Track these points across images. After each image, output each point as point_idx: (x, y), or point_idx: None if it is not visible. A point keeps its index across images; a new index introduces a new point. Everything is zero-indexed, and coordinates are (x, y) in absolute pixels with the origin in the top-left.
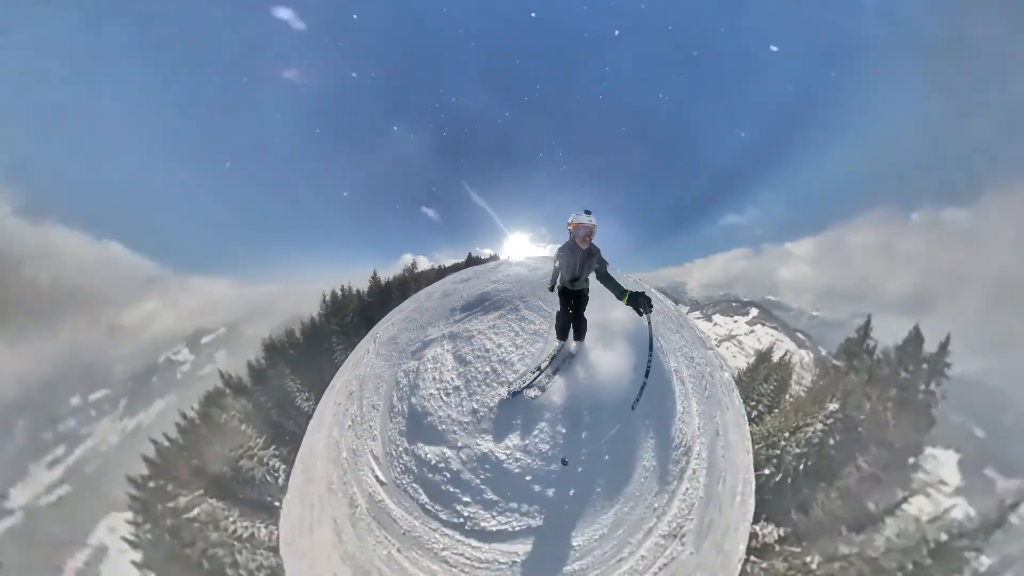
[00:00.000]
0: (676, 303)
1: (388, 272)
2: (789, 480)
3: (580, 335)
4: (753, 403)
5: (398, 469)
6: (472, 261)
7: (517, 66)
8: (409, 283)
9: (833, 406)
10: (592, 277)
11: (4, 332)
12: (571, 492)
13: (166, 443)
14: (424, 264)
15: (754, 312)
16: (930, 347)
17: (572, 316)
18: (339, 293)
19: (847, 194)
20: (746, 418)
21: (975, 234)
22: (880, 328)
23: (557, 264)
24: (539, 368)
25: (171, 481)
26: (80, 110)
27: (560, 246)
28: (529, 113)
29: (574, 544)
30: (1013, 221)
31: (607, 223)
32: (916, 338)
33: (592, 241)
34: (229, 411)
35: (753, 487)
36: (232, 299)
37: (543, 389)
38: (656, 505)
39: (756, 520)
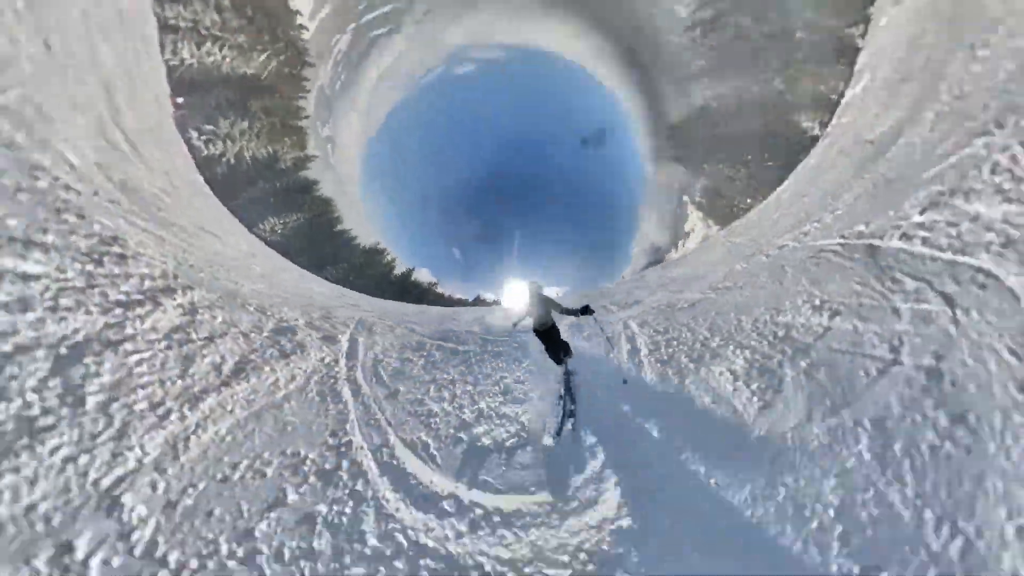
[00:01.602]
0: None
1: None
2: None
3: (568, 352)
4: None
5: None
6: (477, 301)
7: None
8: (428, 295)
9: None
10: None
11: None
12: None
13: None
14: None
15: (689, 201)
16: None
17: (554, 347)
18: (378, 247)
19: None
20: None
21: None
22: None
23: (525, 315)
24: (562, 402)
25: None
26: None
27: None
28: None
29: None
30: None
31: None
32: None
33: (541, 295)
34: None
35: None
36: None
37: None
38: None
39: None
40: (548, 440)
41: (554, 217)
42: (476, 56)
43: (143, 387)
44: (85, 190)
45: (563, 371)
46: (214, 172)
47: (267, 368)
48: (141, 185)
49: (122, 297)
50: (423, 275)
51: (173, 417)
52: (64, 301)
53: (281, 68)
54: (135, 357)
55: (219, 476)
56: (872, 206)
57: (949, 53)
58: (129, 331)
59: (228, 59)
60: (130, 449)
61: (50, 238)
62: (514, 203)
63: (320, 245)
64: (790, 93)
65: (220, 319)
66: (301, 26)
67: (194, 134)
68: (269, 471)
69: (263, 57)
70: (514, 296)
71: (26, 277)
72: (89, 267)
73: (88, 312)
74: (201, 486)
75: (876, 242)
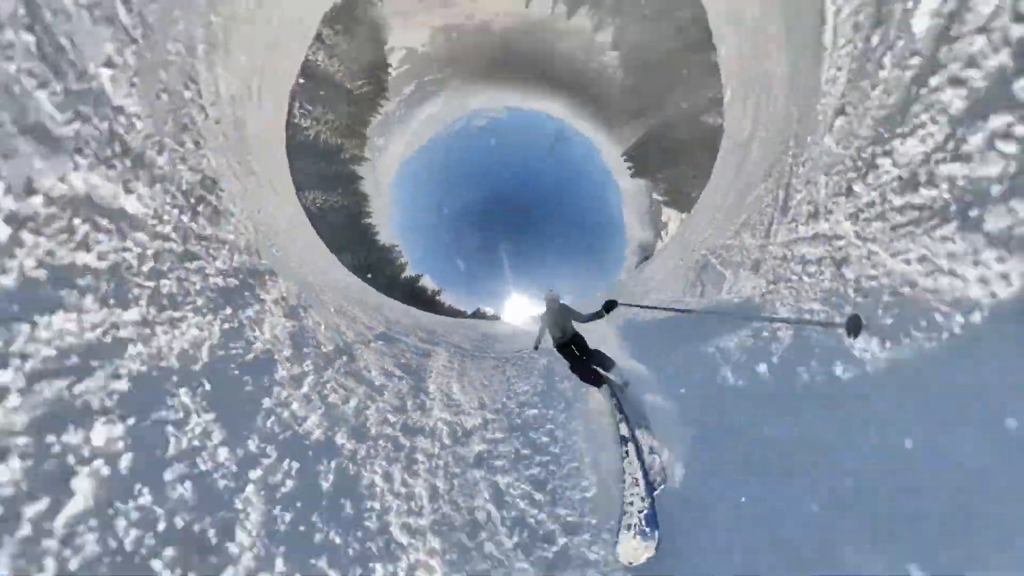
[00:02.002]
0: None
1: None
2: None
3: (607, 364)
4: None
5: None
6: (476, 315)
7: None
8: (433, 303)
9: None
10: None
11: None
12: None
13: None
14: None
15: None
16: None
17: (585, 361)
18: (395, 247)
19: None
20: None
21: None
22: None
23: (541, 327)
24: (626, 441)
25: None
26: None
27: (541, 314)
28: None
29: None
30: None
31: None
32: None
33: (560, 303)
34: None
35: None
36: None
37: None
38: None
39: None
40: (638, 544)
41: (549, 231)
42: (488, 114)
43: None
44: (212, 115)
45: (610, 394)
46: (294, 137)
47: (426, 367)
48: (248, 125)
49: (219, 280)
50: (427, 281)
51: (435, 411)
52: (165, 283)
53: (368, 92)
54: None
55: None
56: (718, 224)
57: (775, 64)
58: (258, 346)
59: (340, 73)
60: None
61: (163, 159)
62: (512, 222)
63: (347, 230)
64: (699, 109)
65: (323, 325)
66: (389, 74)
67: (296, 104)
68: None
69: (360, 82)
70: (516, 311)
71: (124, 222)
72: (184, 218)
73: (197, 310)
74: None
75: (706, 256)
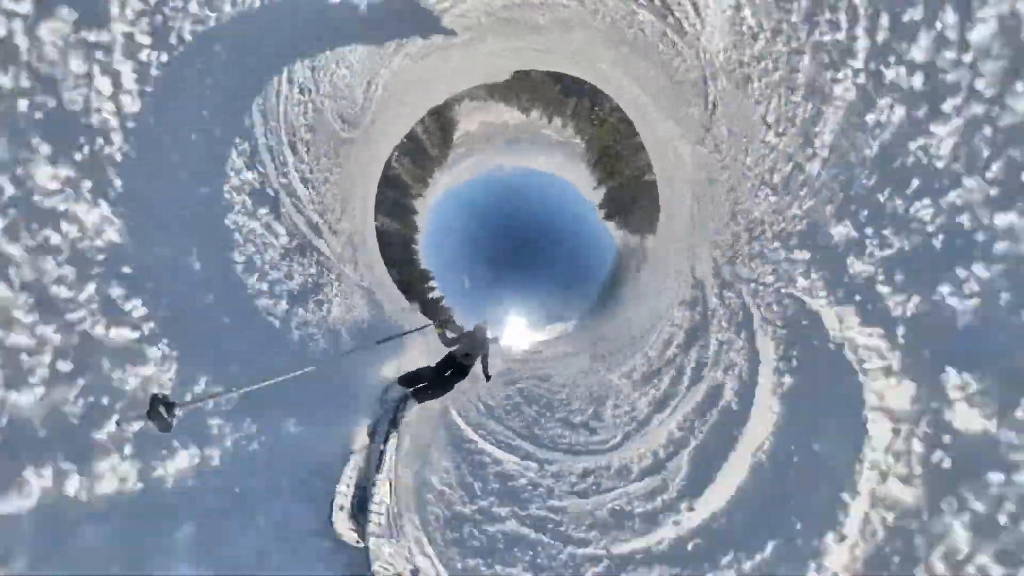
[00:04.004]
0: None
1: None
2: None
3: (427, 397)
4: None
5: None
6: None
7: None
8: (431, 310)
9: None
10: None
11: None
12: None
13: None
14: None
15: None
16: None
17: (444, 383)
18: (428, 273)
19: None
20: None
21: None
22: None
23: (462, 338)
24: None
25: None
26: None
27: (469, 333)
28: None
29: None
30: None
31: None
32: None
33: (484, 339)
34: None
35: None
36: None
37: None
38: None
39: None
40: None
41: (551, 265)
42: (506, 169)
43: None
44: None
45: (401, 407)
46: (386, 173)
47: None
48: (370, 139)
49: None
50: (445, 302)
51: None
52: None
53: (437, 149)
54: None
55: None
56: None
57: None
58: None
59: (426, 135)
60: None
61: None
62: (517, 256)
63: (396, 250)
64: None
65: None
66: (453, 140)
67: (394, 155)
68: None
69: (432, 145)
70: (515, 333)
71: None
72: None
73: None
74: None
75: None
